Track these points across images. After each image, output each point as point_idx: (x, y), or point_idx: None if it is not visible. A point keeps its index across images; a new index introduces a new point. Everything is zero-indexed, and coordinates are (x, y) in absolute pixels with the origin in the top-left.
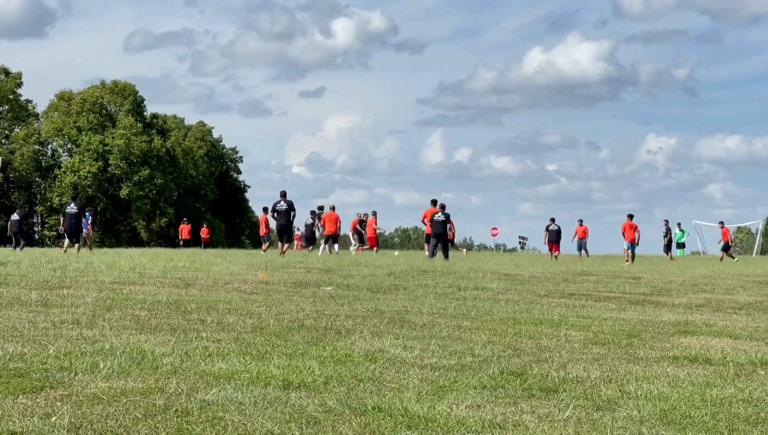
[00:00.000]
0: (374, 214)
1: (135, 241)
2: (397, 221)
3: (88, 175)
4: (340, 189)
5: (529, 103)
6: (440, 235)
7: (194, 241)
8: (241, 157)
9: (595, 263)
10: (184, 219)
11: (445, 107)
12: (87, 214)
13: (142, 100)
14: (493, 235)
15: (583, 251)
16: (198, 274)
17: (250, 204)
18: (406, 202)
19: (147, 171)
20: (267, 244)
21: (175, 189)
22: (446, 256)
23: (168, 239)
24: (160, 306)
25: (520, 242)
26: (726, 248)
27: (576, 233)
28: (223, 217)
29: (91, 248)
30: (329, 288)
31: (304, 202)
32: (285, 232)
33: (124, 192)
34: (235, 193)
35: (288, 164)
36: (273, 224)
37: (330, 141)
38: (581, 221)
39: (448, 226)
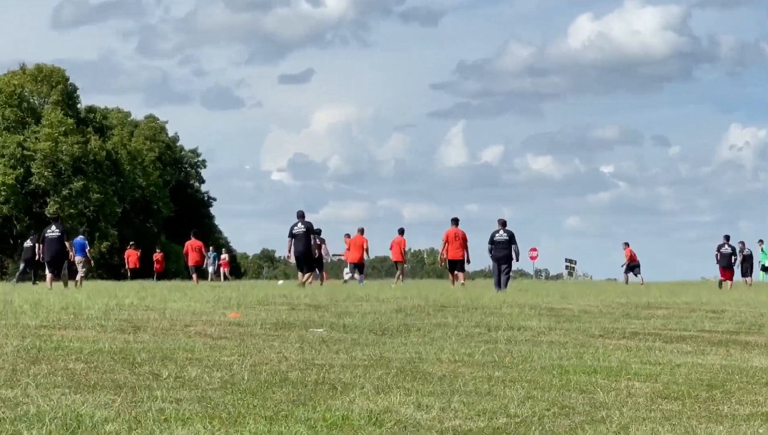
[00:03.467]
0: (361, 231)
1: (68, 272)
2: (409, 241)
3: (3, 187)
4: (333, 201)
5: (576, 87)
6: (505, 259)
7: (144, 271)
8: (204, 162)
9: (665, 293)
10: (131, 243)
11: (467, 94)
12: (82, 238)
13: (75, 89)
14: (532, 259)
15: (631, 274)
16: (150, 313)
17: (216, 222)
18: (418, 217)
19: (81, 182)
20: (195, 275)
21: (119, 204)
22: (504, 285)
23: (110, 269)
24: (101, 356)
25: (566, 267)
26: None
27: (627, 257)
28: (181, 239)
29: (80, 284)
30: (320, 330)
31: (286, 219)
32: (305, 259)
33: (50, 209)
34: (197, 208)
35: (266, 170)
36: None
37: (319, 139)
38: (627, 244)
39: (514, 247)
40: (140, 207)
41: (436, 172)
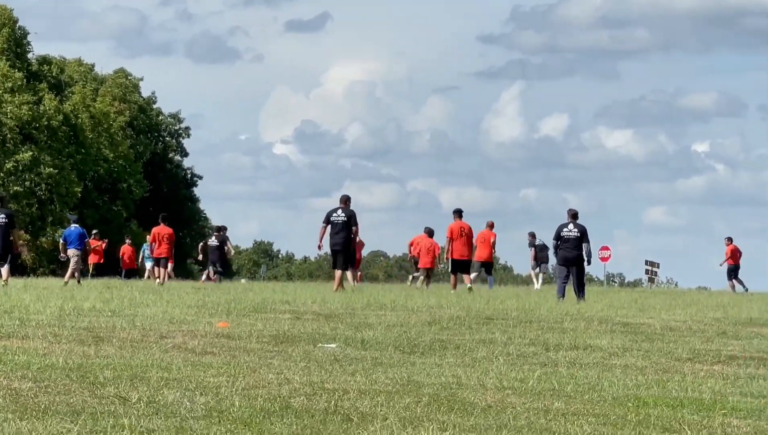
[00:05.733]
0: (490, 225)
1: (12, 267)
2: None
3: None
4: (351, 182)
5: (664, 43)
6: (573, 261)
7: (110, 267)
8: (187, 130)
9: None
10: (94, 231)
11: (525, 50)
12: (74, 222)
13: (25, 34)
14: (603, 260)
15: (734, 282)
16: (116, 321)
17: (201, 206)
18: (460, 205)
19: (29, 153)
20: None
21: (79, 182)
22: (581, 294)
23: (66, 264)
24: (53, 374)
25: (647, 271)
26: None
27: (727, 256)
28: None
29: (80, 280)
30: (332, 345)
31: (294, 203)
32: (343, 253)
33: None
34: (177, 188)
35: (267, 141)
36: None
37: (335, 104)
38: (731, 239)
39: (585, 246)
40: (105, 186)
41: (483, 147)
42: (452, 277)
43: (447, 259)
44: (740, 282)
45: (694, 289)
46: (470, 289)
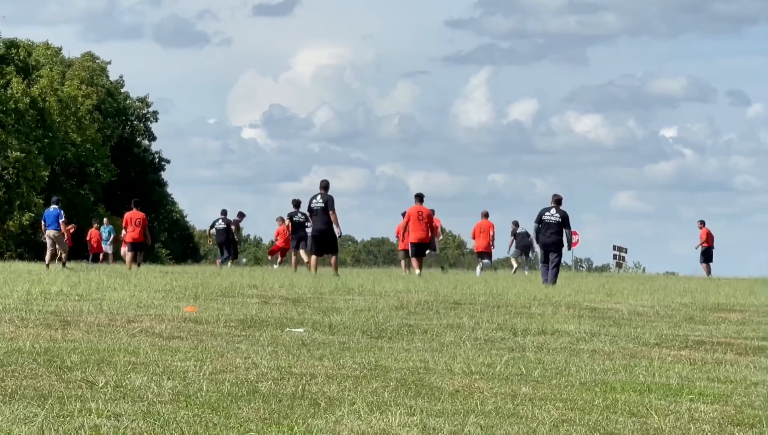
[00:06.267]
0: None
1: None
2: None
3: None
4: (320, 167)
5: (632, 29)
6: (554, 245)
7: (78, 252)
8: (155, 114)
9: (739, 291)
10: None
11: (494, 34)
12: (54, 203)
13: None
14: (572, 245)
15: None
16: (84, 305)
17: (169, 190)
18: (428, 190)
19: None
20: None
21: (46, 166)
22: (553, 279)
23: (34, 247)
24: (20, 358)
25: (615, 256)
26: None
27: (702, 239)
28: (124, 211)
29: (64, 263)
30: (300, 330)
31: (263, 187)
32: (324, 240)
33: None
34: (145, 172)
35: (235, 125)
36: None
37: (303, 88)
38: (703, 223)
39: (566, 231)
40: (73, 170)
41: (451, 132)
42: (413, 260)
43: (404, 241)
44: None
45: (661, 274)
46: (419, 274)
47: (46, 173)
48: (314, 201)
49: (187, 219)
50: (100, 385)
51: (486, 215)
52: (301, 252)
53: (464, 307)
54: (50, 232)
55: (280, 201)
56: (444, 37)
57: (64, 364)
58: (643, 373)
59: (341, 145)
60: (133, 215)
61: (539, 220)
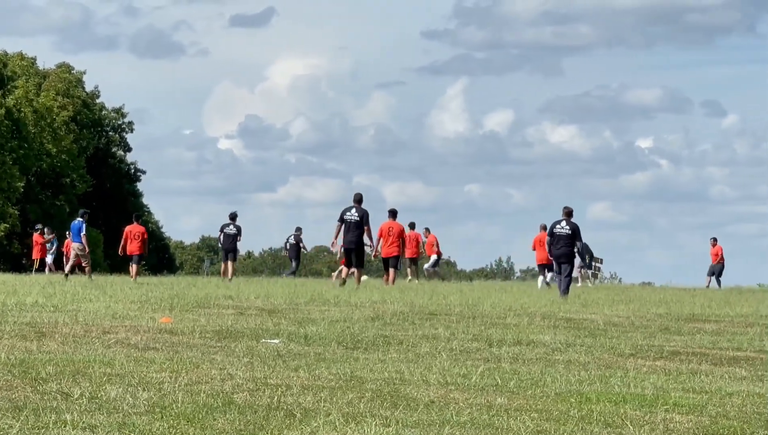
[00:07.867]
0: (411, 225)
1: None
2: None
3: None
4: (295, 178)
5: (607, 39)
6: (565, 257)
7: (54, 262)
8: (131, 125)
9: (714, 302)
10: (38, 226)
11: (469, 45)
12: (80, 216)
13: None
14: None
15: (713, 280)
16: (59, 316)
17: (144, 201)
18: (404, 201)
19: None
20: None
21: (21, 177)
22: (565, 291)
23: (9, 258)
24: None
25: (589, 266)
26: None
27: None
28: (99, 221)
29: (90, 275)
30: (276, 341)
31: (239, 198)
32: (356, 253)
33: None
34: (120, 183)
35: (211, 136)
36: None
37: (279, 99)
38: (716, 240)
39: (578, 244)
40: (49, 180)
41: (427, 143)
42: (384, 273)
43: (375, 256)
44: (718, 282)
45: (637, 285)
46: (392, 285)
47: (22, 184)
48: (348, 214)
49: (163, 230)
50: (76, 396)
51: (544, 228)
52: (229, 264)
53: (440, 317)
54: (74, 245)
55: (257, 211)
56: (420, 48)
57: (39, 376)
58: (619, 384)
59: (317, 155)
60: (134, 229)
61: (550, 234)
